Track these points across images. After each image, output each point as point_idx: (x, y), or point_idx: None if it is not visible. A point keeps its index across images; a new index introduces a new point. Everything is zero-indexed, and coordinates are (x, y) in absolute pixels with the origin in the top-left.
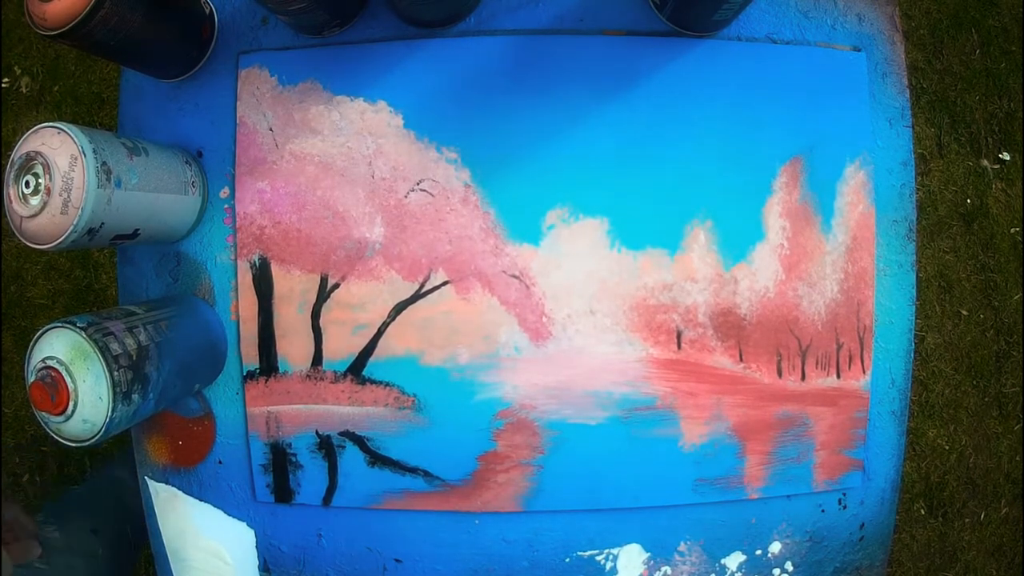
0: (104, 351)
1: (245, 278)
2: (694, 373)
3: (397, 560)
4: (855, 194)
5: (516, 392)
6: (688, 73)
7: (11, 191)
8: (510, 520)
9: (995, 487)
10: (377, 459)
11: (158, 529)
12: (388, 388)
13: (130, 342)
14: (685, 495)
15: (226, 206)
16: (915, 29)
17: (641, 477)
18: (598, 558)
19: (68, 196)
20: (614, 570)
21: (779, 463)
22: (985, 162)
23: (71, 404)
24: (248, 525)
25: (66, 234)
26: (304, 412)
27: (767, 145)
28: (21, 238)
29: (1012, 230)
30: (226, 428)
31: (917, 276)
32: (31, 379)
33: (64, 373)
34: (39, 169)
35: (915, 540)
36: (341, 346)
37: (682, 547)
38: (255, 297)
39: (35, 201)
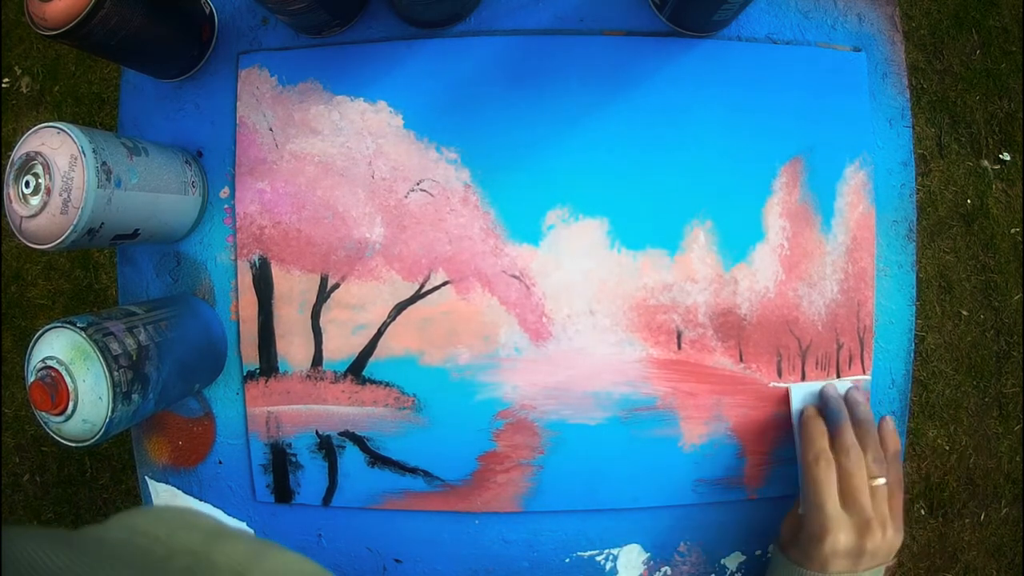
0: (104, 351)
1: (245, 278)
2: (694, 373)
3: (397, 560)
4: (855, 194)
5: (516, 392)
6: (688, 73)
7: (11, 191)
8: (510, 520)
9: (995, 487)
10: (377, 459)
11: None
12: (388, 388)
13: (130, 342)
14: (685, 495)
15: (226, 206)
16: (915, 29)
17: (641, 477)
18: (598, 558)
19: (68, 196)
20: (614, 570)
21: (779, 463)
22: (985, 162)
23: (71, 404)
24: (248, 525)
25: (66, 234)
26: (304, 412)
27: (767, 145)
28: (21, 238)
29: (1012, 230)
30: (226, 428)
31: (917, 276)
32: (31, 379)
33: (64, 373)
34: (39, 169)
35: (915, 540)
36: (341, 346)
37: (682, 547)
38: (255, 297)
39: (35, 201)
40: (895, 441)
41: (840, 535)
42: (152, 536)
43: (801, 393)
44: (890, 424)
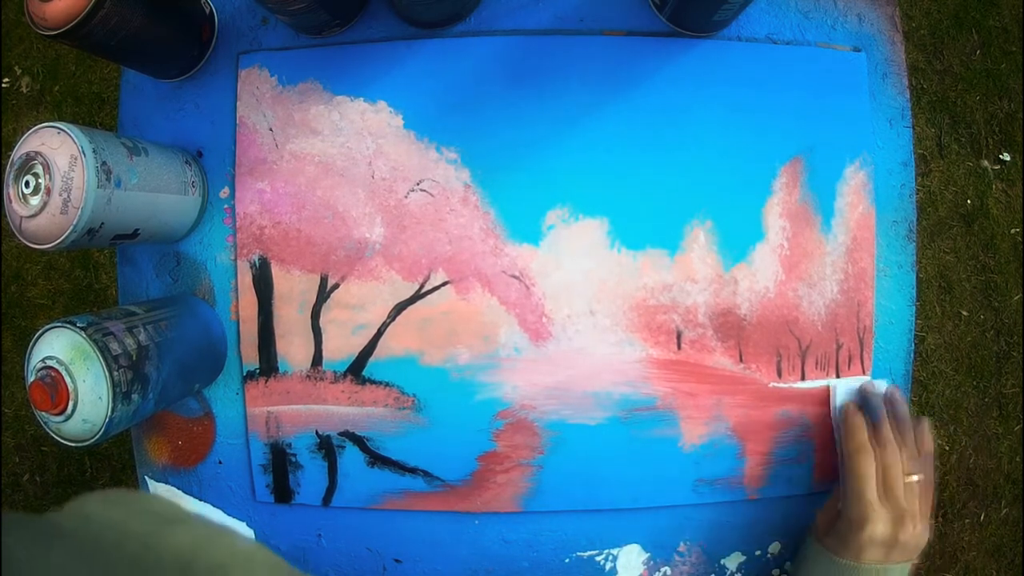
0: (104, 351)
1: (245, 278)
2: (694, 373)
3: (397, 560)
4: (855, 194)
5: (516, 392)
6: (688, 73)
7: (11, 191)
8: (510, 520)
9: (995, 487)
10: (377, 459)
11: None
12: (388, 388)
13: (130, 342)
14: (685, 495)
15: (226, 206)
16: (915, 29)
17: (641, 477)
18: (598, 558)
19: (68, 196)
20: (614, 570)
21: (779, 463)
22: (985, 163)
23: (71, 404)
24: (248, 525)
25: (66, 234)
26: (304, 412)
27: (767, 145)
28: (21, 238)
29: (1012, 231)
30: (226, 428)
31: (917, 277)
32: (31, 379)
33: (64, 373)
34: (39, 169)
35: None
36: (341, 346)
37: (682, 547)
38: (255, 297)
39: (35, 201)
40: (929, 441)
41: (878, 525)
42: (106, 522)
43: (842, 389)
44: (926, 424)
